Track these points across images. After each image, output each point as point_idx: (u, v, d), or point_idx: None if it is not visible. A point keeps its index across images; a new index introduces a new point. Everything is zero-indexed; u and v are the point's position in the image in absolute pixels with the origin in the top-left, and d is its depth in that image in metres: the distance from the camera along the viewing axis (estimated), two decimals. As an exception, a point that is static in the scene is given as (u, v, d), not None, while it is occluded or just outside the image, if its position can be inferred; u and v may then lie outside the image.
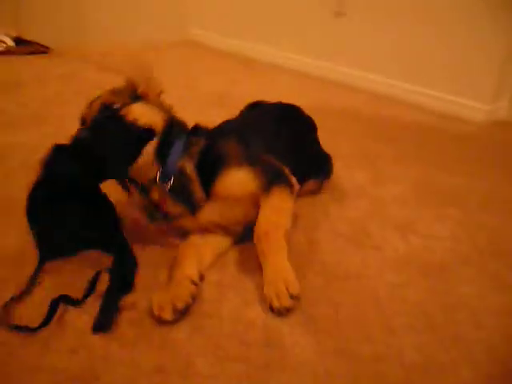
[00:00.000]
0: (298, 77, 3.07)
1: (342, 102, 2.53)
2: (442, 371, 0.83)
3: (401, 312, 0.96)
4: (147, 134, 1.01)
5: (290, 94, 2.64)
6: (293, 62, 3.31)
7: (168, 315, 0.89)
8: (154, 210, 1.09)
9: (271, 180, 1.08)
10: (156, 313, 0.89)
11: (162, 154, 1.04)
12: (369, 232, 1.26)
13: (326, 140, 1.54)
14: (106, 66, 2.90)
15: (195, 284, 0.97)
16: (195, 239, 1.10)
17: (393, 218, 1.35)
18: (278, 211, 1.04)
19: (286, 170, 1.14)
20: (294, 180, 1.13)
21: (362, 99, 2.59)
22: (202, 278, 1.02)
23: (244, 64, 3.36)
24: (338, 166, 1.55)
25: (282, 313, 0.92)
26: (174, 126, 1.09)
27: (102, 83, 2.42)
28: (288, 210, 1.06)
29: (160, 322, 0.89)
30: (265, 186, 1.06)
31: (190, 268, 1.00)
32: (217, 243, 1.11)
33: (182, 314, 0.90)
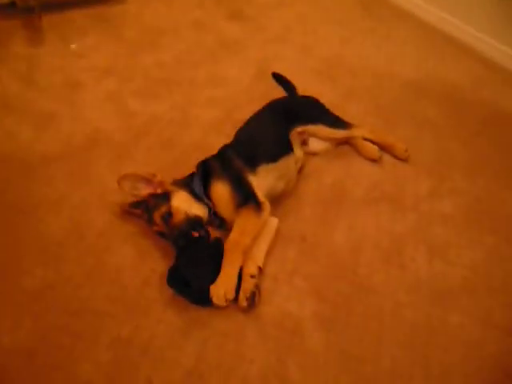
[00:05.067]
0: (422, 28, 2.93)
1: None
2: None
3: (395, 328, 1.34)
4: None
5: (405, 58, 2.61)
6: (419, 10, 3.08)
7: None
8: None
9: (242, 201, 1.46)
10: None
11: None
12: (402, 250, 1.56)
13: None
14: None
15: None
16: None
17: (432, 238, 1.60)
18: (241, 231, 1.41)
19: (258, 193, 1.50)
20: (261, 199, 1.49)
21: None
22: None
23: (362, 6, 3.20)
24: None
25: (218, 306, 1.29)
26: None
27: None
28: (251, 230, 1.42)
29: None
30: (238, 204, 1.46)
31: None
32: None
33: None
